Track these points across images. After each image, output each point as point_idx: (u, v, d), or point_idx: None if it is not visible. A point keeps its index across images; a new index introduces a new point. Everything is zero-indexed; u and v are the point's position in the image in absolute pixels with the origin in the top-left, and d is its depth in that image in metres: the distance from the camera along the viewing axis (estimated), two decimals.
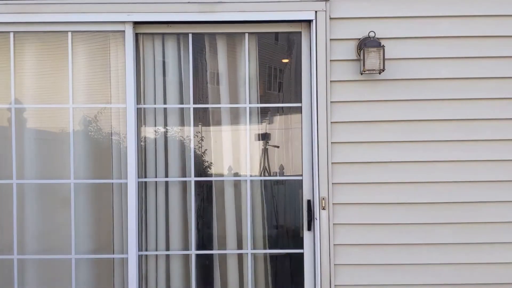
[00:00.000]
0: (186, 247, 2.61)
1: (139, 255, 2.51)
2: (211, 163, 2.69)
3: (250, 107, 2.58)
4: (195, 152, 2.62)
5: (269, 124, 2.72)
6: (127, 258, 2.48)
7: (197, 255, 2.59)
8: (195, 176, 2.57)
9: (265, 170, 2.71)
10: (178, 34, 2.54)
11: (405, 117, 2.44)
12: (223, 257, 2.65)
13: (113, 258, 2.61)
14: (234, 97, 2.62)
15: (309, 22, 2.46)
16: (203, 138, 2.67)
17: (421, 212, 2.45)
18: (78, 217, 2.55)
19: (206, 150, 2.68)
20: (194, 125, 2.58)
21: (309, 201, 2.47)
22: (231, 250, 2.63)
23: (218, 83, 2.63)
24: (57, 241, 2.58)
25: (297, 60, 2.56)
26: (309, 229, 2.48)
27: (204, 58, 2.61)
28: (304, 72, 2.52)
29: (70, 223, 2.52)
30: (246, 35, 2.55)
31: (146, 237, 2.59)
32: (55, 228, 2.60)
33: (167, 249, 2.60)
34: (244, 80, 2.58)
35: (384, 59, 2.31)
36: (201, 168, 2.69)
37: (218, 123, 2.66)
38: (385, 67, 2.35)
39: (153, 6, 2.40)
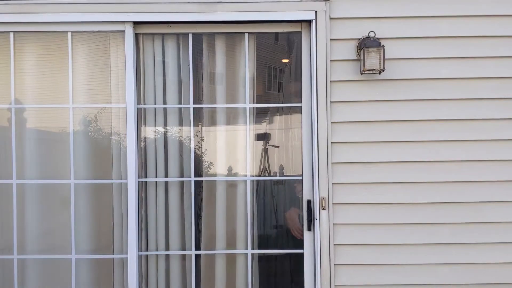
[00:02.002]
0: (186, 247, 2.61)
1: (139, 255, 2.51)
2: (211, 163, 2.68)
3: (250, 107, 2.58)
4: (195, 152, 2.61)
5: (269, 124, 2.72)
6: (127, 258, 2.49)
7: (197, 255, 2.59)
8: (195, 176, 2.57)
9: (265, 170, 2.71)
10: (178, 34, 2.54)
11: (405, 117, 2.44)
12: (223, 257, 2.65)
13: (113, 258, 2.61)
14: (234, 97, 2.62)
15: (309, 22, 2.46)
16: (203, 138, 2.67)
17: (421, 212, 2.45)
18: (78, 217, 2.55)
19: (206, 150, 2.67)
20: (194, 125, 2.58)
21: (309, 201, 2.47)
22: (232, 250, 2.63)
23: (218, 83, 2.62)
24: (57, 241, 2.58)
25: (297, 60, 2.56)
26: (309, 229, 2.48)
27: (204, 58, 2.61)
28: (304, 72, 2.52)
29: (70, 223, 2.52)
30: (246, 35, 2.55)
31: (146, 237, 2.59)
32: (55, 228, 2.59)
33: (167, 249, 2.60)
34: (244, 80, 2.58)
35: (384, 59, 2.31)
36: (201, 168, 2.69)
37: (218, 123, 2.65)
38: (385, 67, 2.35)
39: (153, 6, 2.40)
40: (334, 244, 2.43)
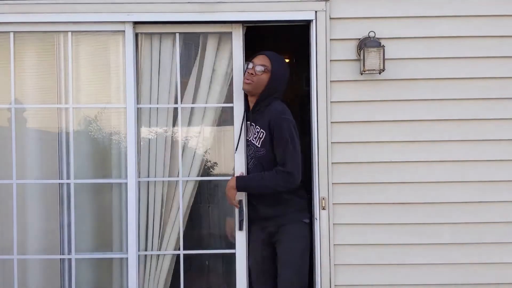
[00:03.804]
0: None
1: (139, 255, 2.51)
2: (215, 163, 2.68)
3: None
4: (190, 151, 2.61)
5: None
6: (126, 258, 2.49)
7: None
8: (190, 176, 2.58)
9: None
10: (177, 33, 2.52)
11: (405, 117, 2.44)
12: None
13: (113, 258, 2.61)
14: (231, 96, 2.59)
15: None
16: (204, 138, 2.65)
17: (421, 212, 2.45)
18: (78, 217, 2.55)
19: (205, 150, 2.66)
20: (188, 125, 2.57)
21: (240, 201, 2.41)
22: (161, 252, 2.62)
23: (217, 83, 2.60)
24: (56, 241, 2.58)
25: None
26: (240, 229, 2.45)
27: (204, 58, 2.59)
28: (236, 72, 2.46)
29: (70, 223, 2.52)
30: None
31: (146, 237, 2.59)
32: (55, 228, 2.59)
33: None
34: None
35: (384, 59, 2.31)
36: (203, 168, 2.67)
37: (219, 123, 2.64)
38: (385, 67, 2.35)
39: (153, 6, 2.40)
40: (334, 244, 2.43)
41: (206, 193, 2.73)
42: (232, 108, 2.49)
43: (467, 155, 2.44)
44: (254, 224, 2.42)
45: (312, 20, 2.42)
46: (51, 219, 2.59)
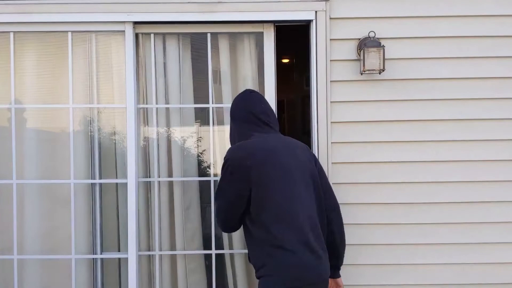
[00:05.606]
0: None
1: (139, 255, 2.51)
2: (213, 163, 2.68)
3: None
4: (192, 152, 2.61)
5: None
6: (126, 258, 2.49)
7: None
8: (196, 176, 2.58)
9: None
10: (178, 33, 2.53)
11: (405, 117, 2.44)
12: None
13: (113, 258, 2.61)
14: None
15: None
16: (200, 138, 2.65)
17: (422, 212, 2.45)
18: (78, 217, 2.56)
19: (205, 150, 2.66)
20: (191, 125, 2.58)
21: None
22: (190, 251, 2.63)
23: (219, 83, 2.61)
24: (56, 242, 2.58)
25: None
26: None
27: (204, 58, 2.60)
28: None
29: (70, 223, 2.52)
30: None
31: (147, 237, 2.59)
32: (55, 229, 2.59)
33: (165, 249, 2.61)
34: (244, 79, 2.58)
35: (384, 59, 2.31)
36: (201, 168, 2.68)
37: (221, 122, 2.64)
38: (385, 67, 2.35)
39: (153, 6, 2.40)
40: None
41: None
42: None
43: (467, 155, 2.44)
44: None
45: (312, 20, 2.42)
46: (53, 219, 2.59)
